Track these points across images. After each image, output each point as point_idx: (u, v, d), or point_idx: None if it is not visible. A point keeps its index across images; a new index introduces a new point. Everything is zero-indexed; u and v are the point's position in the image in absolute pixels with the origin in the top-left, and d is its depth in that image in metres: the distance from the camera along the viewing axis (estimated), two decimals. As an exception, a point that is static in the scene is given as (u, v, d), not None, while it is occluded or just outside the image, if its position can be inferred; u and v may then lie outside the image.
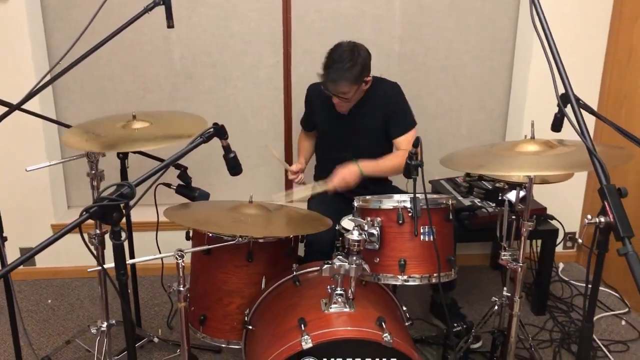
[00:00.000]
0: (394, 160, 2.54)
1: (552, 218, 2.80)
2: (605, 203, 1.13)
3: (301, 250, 2.46)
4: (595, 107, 3.16)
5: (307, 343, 1.62)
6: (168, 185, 2.26)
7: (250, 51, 3.12)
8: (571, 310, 2.89)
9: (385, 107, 2.59)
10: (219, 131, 1.63)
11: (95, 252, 2.17)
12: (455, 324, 2.49)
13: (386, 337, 1.64)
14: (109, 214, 1.38)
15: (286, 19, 3.09)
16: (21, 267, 3.14)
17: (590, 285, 1.26)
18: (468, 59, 3.24)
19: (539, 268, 2.86)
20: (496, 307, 2.29)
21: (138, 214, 2.53)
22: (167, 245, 2.16)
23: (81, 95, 3.12)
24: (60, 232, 1.32)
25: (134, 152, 2.30)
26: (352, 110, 2.61)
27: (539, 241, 2.87)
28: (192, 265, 2.22)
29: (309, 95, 2.78)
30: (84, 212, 1.35)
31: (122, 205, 1.38)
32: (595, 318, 2.82)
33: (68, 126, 2.29)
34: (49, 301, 2.97)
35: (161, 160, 2.33)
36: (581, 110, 1.81)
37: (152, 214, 2.25)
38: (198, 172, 3.01)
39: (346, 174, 2.45)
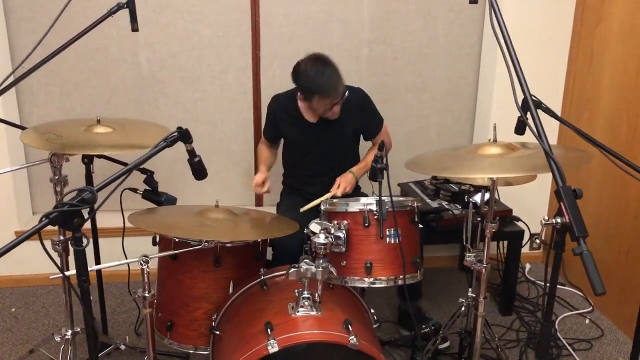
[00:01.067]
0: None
1: (518, 219, 2.85)
2: (561, 204, 1.16)
3: (270, 254, 2.46)
4: (559, 110, 3.23)
5: (273, 347, 1.62)
6: (134, 190, 2.24)
7: (219, 55, 3.11)
8: (537, 310, 2.94)
9: (355, 113, 2.61)
10: (184, 135, 1.62)
11: (58, 259, 2.14)
12: (423, 326, 2.51)
13: (352, 339, 1.64)
14: (69, 220, 1.36)
15: (255, 23, 3.08)
16: (-15, 273, 3.12)
17: (549, 285, 1.28)
18: (436, 63, 3.28)
19: (506, 269, 2.90)
20: (463, 308, 2.32)
21: (104, 220, 2.50)
22: (133, 251, 2.13)
23: (46, 100, 3.06)
24: (18, 239, 1.29)
25: (99, 157, 2.27)
26: (321, 118, 2.62)
27: (506, 242, 2.91)
28: (159, 270, 2.20)
29: (273, 107, 2.74)
30: (44, 218, 1.32)
31: (84, 210, 1.37)
32: (560, 317, 2.88)
33: (23, 128, 2.25)
34: (13, 310, 2.90)
35: (127, 165, 2.30)
36: (540, 113, 1.86)
37: (119, 220, 2.22)
38: (165, 177, 3.00)
39: (345, 183, 2.57)
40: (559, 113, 3.23)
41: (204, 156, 3.15)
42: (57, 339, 2.16)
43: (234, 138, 3.26)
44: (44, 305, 2.95)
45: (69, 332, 2.16)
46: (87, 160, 2.27)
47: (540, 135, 1.24)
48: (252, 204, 3.40)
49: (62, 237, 2.10)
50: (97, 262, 2.47)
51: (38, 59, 2.02)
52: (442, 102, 3.36)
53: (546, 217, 1.20)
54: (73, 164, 2.27)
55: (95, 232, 2.42)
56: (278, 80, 3.10)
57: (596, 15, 2.93)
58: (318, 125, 2.63)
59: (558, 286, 3.18)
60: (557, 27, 3.13)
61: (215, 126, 3.22)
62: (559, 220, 1.18)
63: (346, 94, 2.50)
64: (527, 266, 3.39)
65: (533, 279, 3.26)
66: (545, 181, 3.34)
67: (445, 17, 3.20)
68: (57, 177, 2.05)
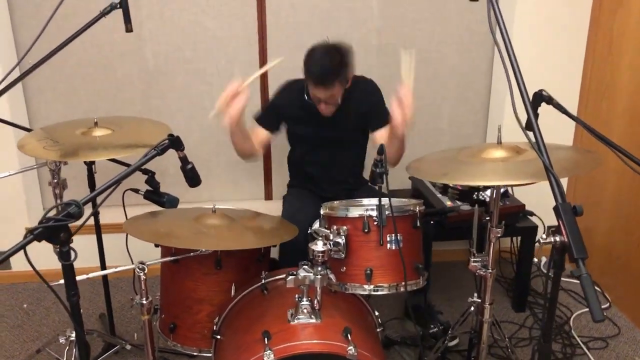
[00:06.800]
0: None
1: (532, 214, 2.77)
2: (560, 222, 1.09)
3: (276, 252, 2.43)
4: (576, 100, 3.11)
5: (269, 358, 1.58)
6: (136, 190, 2.21)
7: (225, 47, 3.06)
8: (552, 306, 2.86)
9: (365, 105, 2.53)
10: (175, 143, 1.58)
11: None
12: (432, 325, 2.47)
13: (350, 350, 1.60)
14: (55, 235, 1.34)
15: (261, 14, 3.02)
16: (-5, 270, 3.15)
17: (548, 305, 1.22)
18: (448, 52, 3.18)
19: (519, 266, 2.82)
20: (472, 308, 2.27)
21: (109, 216, 2.49)
22: (138, 249, 2.11)
23: (53, 96, 3.05)
24: (3, 256, 1.28)
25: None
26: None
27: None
28: (162, 273, 2.18)
29: (282, 91, 2.66)
30: (29, 234, 1.30)
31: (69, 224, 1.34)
32: (575, 314, 2.80)
33: (27, 129, 2.24)
34: (25, 305, 2.93)
35: (129, 166, 2.28)
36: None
37: (123, 216, 2.20)
38: (173, 173, 2.97)
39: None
40: (576, 102, 3.12)
41: (212, 150, 3.18)
42: (62, 340, 2.16)
43: (242, 131, 3.21)
44: (55, 301, 2.96)
45: (73, 334, 2.16)
46: (89, 160, 2.25)
47: (540, 148, 1.16)
48: (262, 197, 3.37)
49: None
50: (102, 257, 2.47)
51: (42, 54, 2.01)
52: (455, 92, 3.26)
53: (544, 236, 1.14)
54: (75, 164, 2.26)
55: (98, 230, 2.42)
56: (285, 72, 3.01)
57: (615, 1, 2.80)
58: (327, 117, 2.56)
59: (575, 281, 3.10)
60: (575, 13, 3.00)
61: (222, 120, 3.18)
62: (557, 238, 1.11)
63: (341, 95, 2.36)
64: (543, 259, 3.31)
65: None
66: (560, 172, 3.24)
67: (457, 4, 3.09)
68: (55, 180, 2.03)
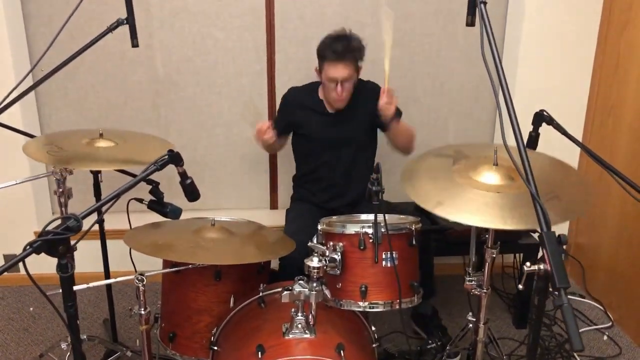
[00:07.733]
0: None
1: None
2: (544, 251, 1.11)
3: (276, 263, 2.46)
4: (583, 118, 3.11)
5: (262, 372, 1.61)
6: (140, 200, 2.25)
7: (234, 58, 3.10)
8: (553, 323, 2.85)
9: (371, 102, 2.51)
10: (174, 158, 1.61)
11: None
12: (430, 341, 2.47)
13: (343, 366, 1.62)
14: (54, 248, 1.37)
15: (269, 26, 3.05)
16: (5, 273, 3.21)
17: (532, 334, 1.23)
18: (455, 67, 3.19)
19: (520, 282, 2.81)
20: (470, 325, 2.27)
21: (114, 223, 2.52)
22: (141, 257, 2.13)
23: (64, 103, 3.11)
24: (5, 267, 1.32)
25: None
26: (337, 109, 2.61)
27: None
28: (163, 282, 2.22)
29: (289, 96, 2.74)
30: (28, 247, 1.34)
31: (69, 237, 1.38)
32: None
33: (32, 136, 2.28)
34: (31, 309, 2.98)
35: (135, 176, 2.32)
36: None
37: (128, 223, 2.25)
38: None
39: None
40: (582, 120, 3.12)
41: (219, 159, 3.22)
42: (64, 346, 2.21)
43: (248, 141, 3.24)
44: (61, 305, 3.00)
45: (75, 340, 2.20)
46: (94, 170, 2.29)
47: (527, 177, 1.18)
48: (267, 207, 3.40)
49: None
50: (106, 264, 2.51)
51: (55, 61, 2.06)
52: (461, 105, 3.27)
53: (528, 264, 1.15)
54: (81, 173, 2.30)
55: (103, 237, 2.46)
56: (293, 83, 3.05)
57: (623, 19, 2.80)
58: (336, 116, 2.61)
59: (578, 299, 3.09)
60: (582, 31, 3.00)
61: (230, 129, 3.22)
62: (541, 267, 1.13)
63: (353, 83, 2.48)
64: (547, 275, 3.29)
65: (550, 289, 3.16)
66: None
67: (464, 19, 3.09)
68: (61, 189, 2.08)
